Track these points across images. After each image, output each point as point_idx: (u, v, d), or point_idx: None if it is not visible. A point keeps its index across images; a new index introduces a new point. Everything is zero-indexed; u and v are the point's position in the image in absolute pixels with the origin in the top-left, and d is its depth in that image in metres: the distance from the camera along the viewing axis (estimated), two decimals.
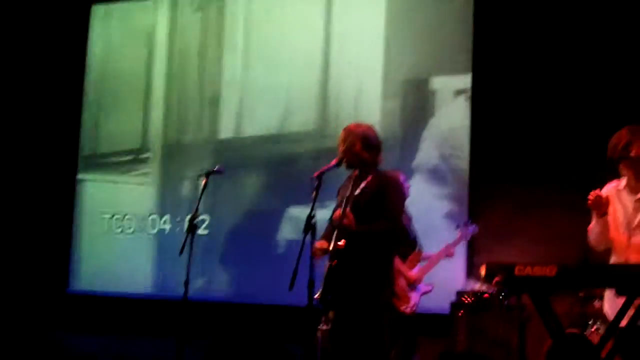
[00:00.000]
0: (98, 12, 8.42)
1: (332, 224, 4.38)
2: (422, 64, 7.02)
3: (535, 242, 6.23)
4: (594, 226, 3.97)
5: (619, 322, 3.33)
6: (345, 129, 4.59)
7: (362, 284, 4.36)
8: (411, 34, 7.11)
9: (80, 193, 8.17)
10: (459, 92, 6.82)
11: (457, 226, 5.96)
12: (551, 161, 6.45)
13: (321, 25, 7.46)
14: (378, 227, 4.39)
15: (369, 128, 4.61)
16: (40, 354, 7.49)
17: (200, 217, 6.68)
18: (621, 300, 3.28)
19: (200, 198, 5.21)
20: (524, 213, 6.43)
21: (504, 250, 6.28)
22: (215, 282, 7.41)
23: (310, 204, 4.15)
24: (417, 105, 7.01)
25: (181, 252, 5.04)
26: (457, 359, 5.90)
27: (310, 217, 4.11)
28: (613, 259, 3.96)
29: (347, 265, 4.29)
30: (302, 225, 4.09)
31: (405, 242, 5.33)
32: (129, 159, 8.04)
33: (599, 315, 5.13)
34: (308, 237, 4.11)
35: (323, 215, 4.38)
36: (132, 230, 7.85)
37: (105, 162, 8.14)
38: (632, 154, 3.85)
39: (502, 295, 5.72)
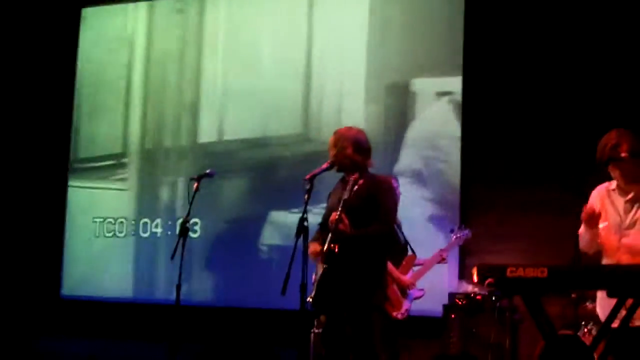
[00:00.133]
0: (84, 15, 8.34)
1: (327, 227, 4.38)
2: (405, 67, 6.99)
3: (527, 244, 6.24)
4: (584, 233, 3.99)
5: (611, 324, 3.33)
6: (336, 133, 4.63)
7: (355, 287, 4.36)
8: (394, 37, 7.07)
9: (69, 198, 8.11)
10: (442, 94, 6.80)
11: (451, 230, 5.94)
12: (542, 163, 6.46)
13: (304, 29, 7.40)
14: (373, 231, 4.41)
15: (360, 132, 4.65)
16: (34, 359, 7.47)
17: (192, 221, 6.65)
18: (613, 302, 3.28)
19: (192, 201, 5.23)
20: (515, 215, 6.44)
21: (495, 252, 6.28)
22: (198, 287, 7.32)
23: (302, 207, 4.17)
24: (400, 109, 6.97)
25: (173, 256, 5.04)
26: None
27: (303, 219, 4.13)
28: (604, 261, 3.96)
29: (340, 268, 4.29)
30: (284, 229, 4.08)
31: (396, 247, 5.32)
32: (111, 164, 7.98)
33: (592, 316, 5.15)
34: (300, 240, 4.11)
35: (310, 219, 4.29)
36: (123, 234, 7.78)
37: (86, 168, 8.08)
38: (621, 155, 3.85)
39: (495, 297, 5.72)
